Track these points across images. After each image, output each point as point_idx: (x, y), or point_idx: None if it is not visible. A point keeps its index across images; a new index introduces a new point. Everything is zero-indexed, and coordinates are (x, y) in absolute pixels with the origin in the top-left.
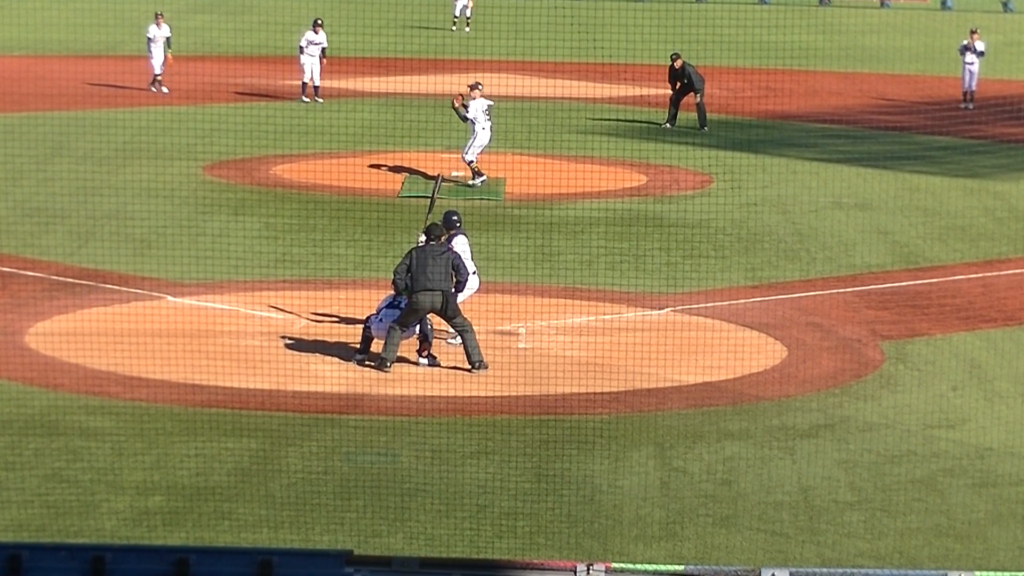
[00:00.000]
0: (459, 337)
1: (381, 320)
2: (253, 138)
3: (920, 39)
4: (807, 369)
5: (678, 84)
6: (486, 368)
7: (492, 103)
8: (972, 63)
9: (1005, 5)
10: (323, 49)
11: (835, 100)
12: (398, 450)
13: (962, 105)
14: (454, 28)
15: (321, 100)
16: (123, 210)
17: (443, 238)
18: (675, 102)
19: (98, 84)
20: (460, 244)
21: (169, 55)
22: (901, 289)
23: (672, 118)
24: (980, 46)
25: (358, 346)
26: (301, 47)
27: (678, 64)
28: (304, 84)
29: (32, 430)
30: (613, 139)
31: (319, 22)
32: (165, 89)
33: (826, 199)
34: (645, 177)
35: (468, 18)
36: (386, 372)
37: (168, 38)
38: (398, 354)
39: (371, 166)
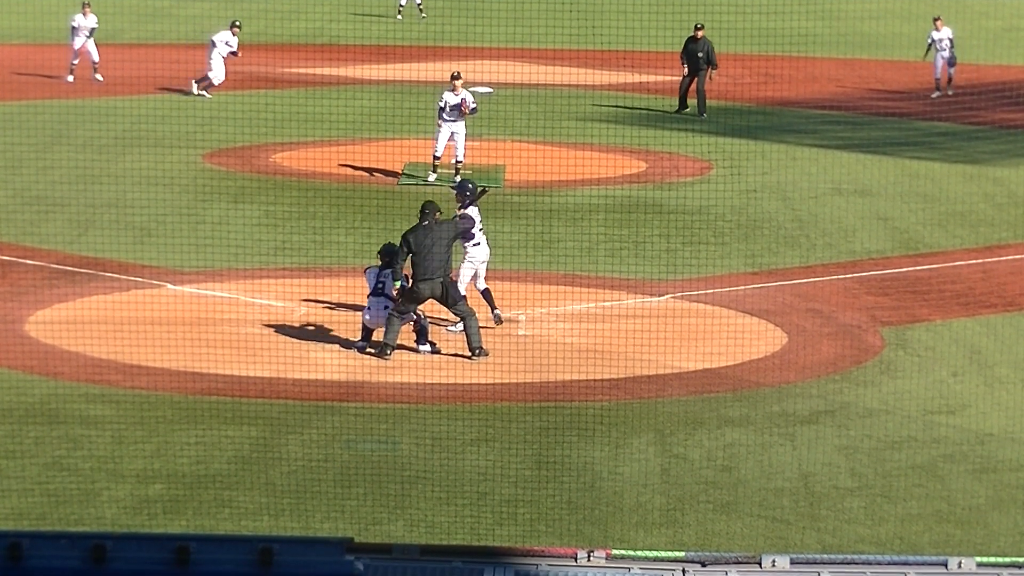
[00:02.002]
0: (460, 323)
1: (369, 309)
2: (252, 126)
3: (919, 25)
4: (807, 355)
5: (686, 68)
6: (486, 355)
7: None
8: (944, 50)
9: None
10: (92, 31)
11: (835, 86)
12: (398, 438)
13: (934, 95)
14: (399, 17)
15: (101, 78)
16: (123, 198)
17: (438, 215)
18: (684, 86)
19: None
20: (473, 213)
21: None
22: (901, 275)
23: (683, 103)
24: (948, 33)
25: (359, 334)
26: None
27: (700, 34)
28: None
29: (32, 418)
30: (612, 126)
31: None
32: (100, 77)
33: (826, 185)
34: (645, 164)
35: (419, 4)
36: (387, 359)
37: (94, 28)
38: (398, 342)
39: (370, 154)
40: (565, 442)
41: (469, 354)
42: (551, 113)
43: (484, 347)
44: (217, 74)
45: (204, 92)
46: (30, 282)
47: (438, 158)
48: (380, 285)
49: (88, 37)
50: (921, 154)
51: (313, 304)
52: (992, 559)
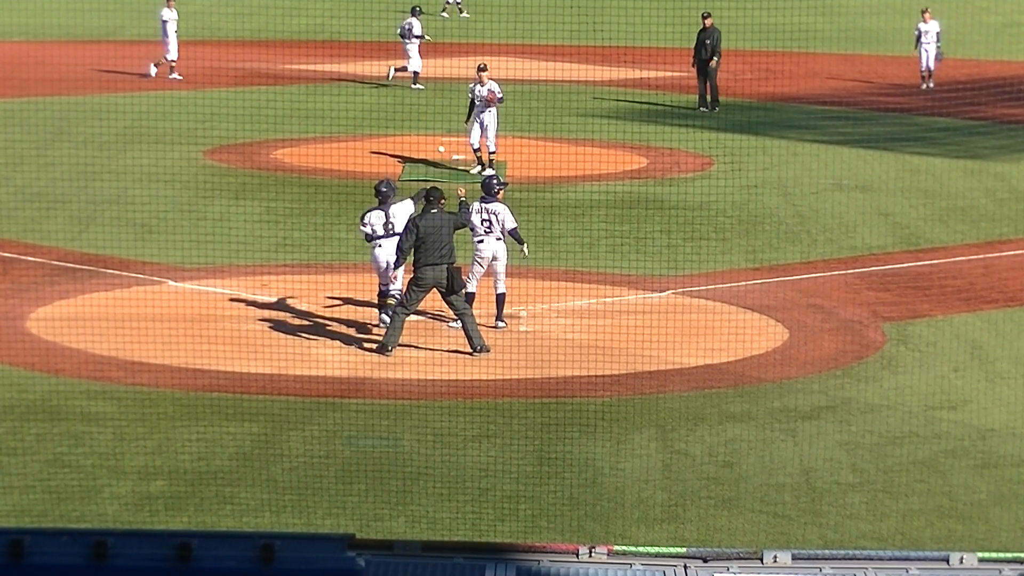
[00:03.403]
0: (459, 321)
1: (382, 247)
2: (253, 122)
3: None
4: (808, 351)
5: (694, 60)
6: (488, 351)
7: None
8: (928, 43)
9: None
10: (171, 22)
11: (835, 82)
12: (400, 434)
13: (922, 86)
14: (445, 15)
15: (180, 76)
16: (124, 195)
17: (442, 201)
18: (701, 81)
19: (99, 69)
20: (502, 211)
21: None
22: (902, 270)
23: (702, 99)
24: (935, 26)
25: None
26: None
27: (708, 23)
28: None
29: (34, 415)
30: (614, 122)
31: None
32: (178, 76)
33: (827, 181)
34: (646, 160)
35: (459, 3)
36: (387, 356)
37: (175, 21)
38: (399, 337)
39: (371, 150)
40: (566, 438)
41: (470, 351)
42: (552, 109)
43: (485, 343)
44: (415, 62)
45: (418, 85)
46: (31, 279)
47: (477, 150)
48: (391, 225)
49: (174, 31)
50: (922, 149)
51: (314, 301)
52: (994, 554)
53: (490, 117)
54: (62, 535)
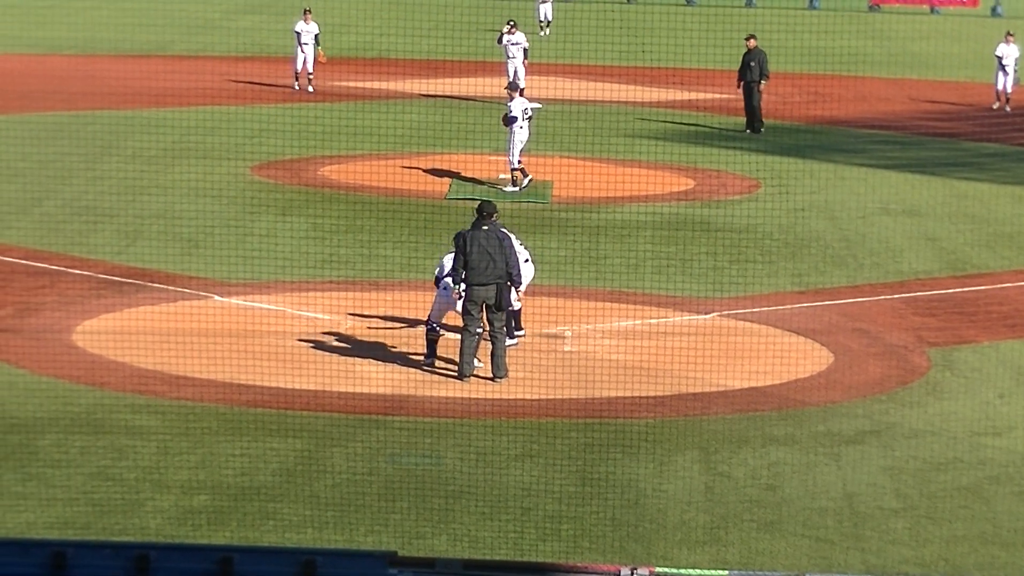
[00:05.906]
0: (514, 339)
1: (445, 289)
2: (301, 139)
3: (969, 46)
4: (853, 375)
5: (740, 81)
6: (467, 379)
7: (537, 106)
8: (1008, 65)
9: None
10: (316, 36)
11: (884, 106)
12: (443, 452)
13: (995, 106)
14: (541, 33)
15: (312, 89)
16: (171, 209)
17: (495, 216)
18: (748, 103)
19: (233, 80)
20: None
21: (321, 52)
22: (948, 296)
23: (750, 122)
24: (1015, 50)
25: (424, 350)
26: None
27: (751, 44)
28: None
29: (78, 428)
30: (660, 143)
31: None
32: (311, 88)
33: (874, 205)
34: (692, 181)
35: (549, 21)
36: (465, 381)
37: (317, 35)
38: (432, 353)
39: (418, 168)
40: (609, 459)
41: (491, 376)
42: (599, 129)
43: (470, 372)
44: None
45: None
46: (78, 292)
47: (516, 168)
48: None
49: (310, 44)
50: (970, 175)
51: (359, 317)
52: None
53: (518, 134)
54: (104, 548)
